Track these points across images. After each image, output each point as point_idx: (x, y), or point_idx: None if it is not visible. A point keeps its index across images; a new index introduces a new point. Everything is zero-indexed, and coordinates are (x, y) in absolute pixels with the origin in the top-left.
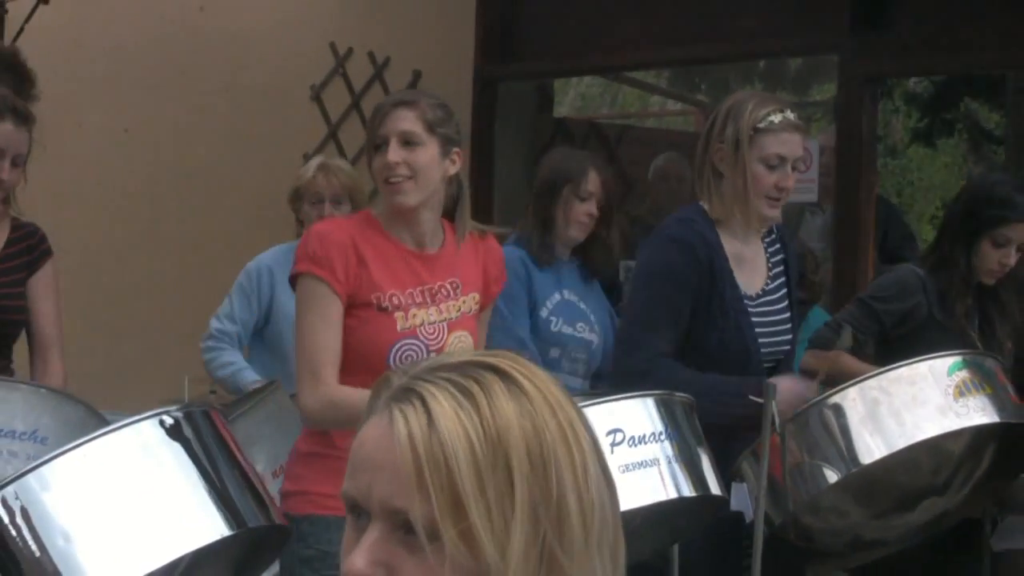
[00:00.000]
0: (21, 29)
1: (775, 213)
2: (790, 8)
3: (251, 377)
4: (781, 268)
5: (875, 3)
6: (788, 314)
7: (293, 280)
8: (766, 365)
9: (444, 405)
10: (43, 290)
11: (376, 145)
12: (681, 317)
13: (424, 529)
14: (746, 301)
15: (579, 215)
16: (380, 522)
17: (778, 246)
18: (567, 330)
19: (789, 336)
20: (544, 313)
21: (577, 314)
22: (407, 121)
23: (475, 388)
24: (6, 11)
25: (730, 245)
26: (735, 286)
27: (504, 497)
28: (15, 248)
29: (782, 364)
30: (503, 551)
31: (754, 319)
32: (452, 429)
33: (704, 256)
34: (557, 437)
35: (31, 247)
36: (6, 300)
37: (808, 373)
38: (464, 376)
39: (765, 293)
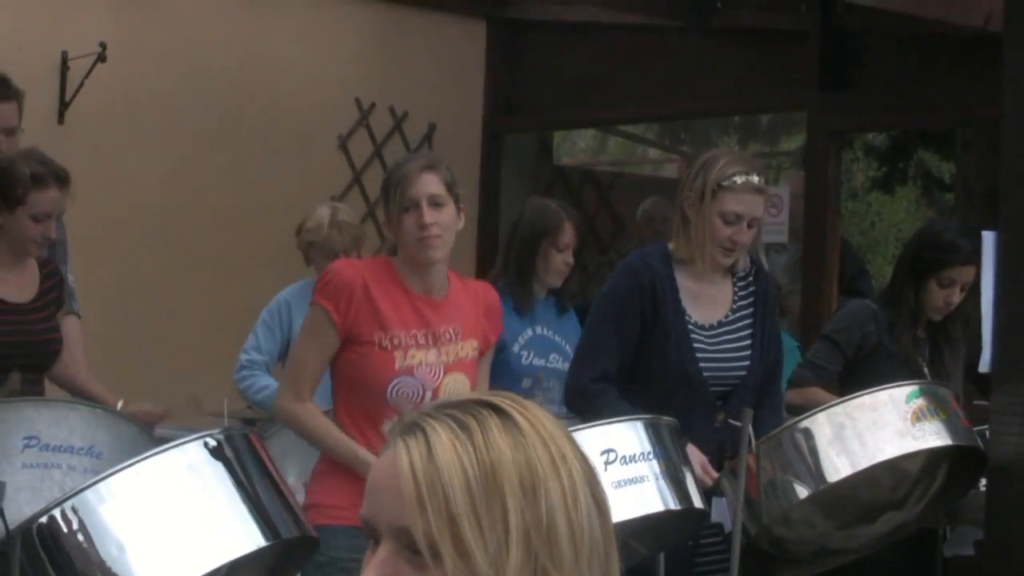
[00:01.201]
0: (82, 83)
1: (727, 261)
2: (764, 71)
3: None
4: (748, 302)
5: (839, 67)
6: (748, 343)
7: (310, 304)
8: (719, 389)
9: (443, 437)
10: (69, 324)
11: (406, 207)
12: (624, 337)
13: (426, 547)
14: (698, 331)
15: (558, 265)
16: (388, 542)
17: (750, 281)
18: (539, 362)
19: (746, 364)
20: (516, 348)
21: (550, 346)
22: (434, 184)
23: (472, 423)
24: (68, 68)
25: (688, 281)
26: (680, 313)
27: (497, 521)
28: (47, 285)
29: (738, 388)
30: (497, 569)
31: (705, 347)
32: (448, 458)
33: (647, 282)
34: (548, 468)
35: (58, 283)
36: (48, 334)
37: (792, 408)
38: (464, 412)
39: (722, 325)
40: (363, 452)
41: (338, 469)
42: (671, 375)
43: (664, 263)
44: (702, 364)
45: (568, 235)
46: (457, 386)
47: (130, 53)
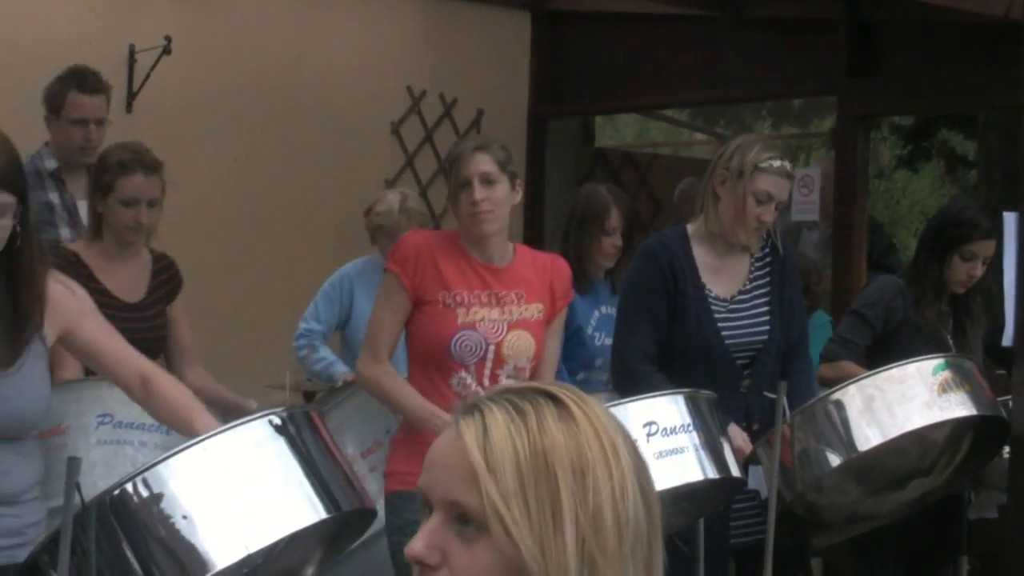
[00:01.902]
0: (148, 76)
1: (755, 239)
2: (795, 58)
3: (341, 369)
4: (764, 274)
5: (866, 55)
6: (767, 312)
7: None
8: (741, 356)
9: (498, 419)
10: (178, 311)
11: (461, 185)
12: (655, 316)
13: (474, 521)
14: (718, 302)
15: (607, 247)
16: (440, 513)
17: (766, 256)
18: (609, 342)
19: (766, 331)
20: (589, 331)
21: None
22: (485, 163)
23: (528, 408)
24: (135, 60)
25: (708, 256)
26: (700, 288)
27: (545, 502)
28: (158, 280)
29: (761, 355)
30: (542, 547)
31: (725, 317)
32: (500, 438)
33: (665, 263)
34: (598, 457)
35: (171, 278)
36: (159, 330)
37: (824, 382)
38: (522, 398)
39: (740, 295)
40: (432, 409)
41: (413, 438)
42: (693, 346)
43: (682, 242)
44: (724, 333)
45: (614, 219)
46: (520, 342)
47: (193, 46)
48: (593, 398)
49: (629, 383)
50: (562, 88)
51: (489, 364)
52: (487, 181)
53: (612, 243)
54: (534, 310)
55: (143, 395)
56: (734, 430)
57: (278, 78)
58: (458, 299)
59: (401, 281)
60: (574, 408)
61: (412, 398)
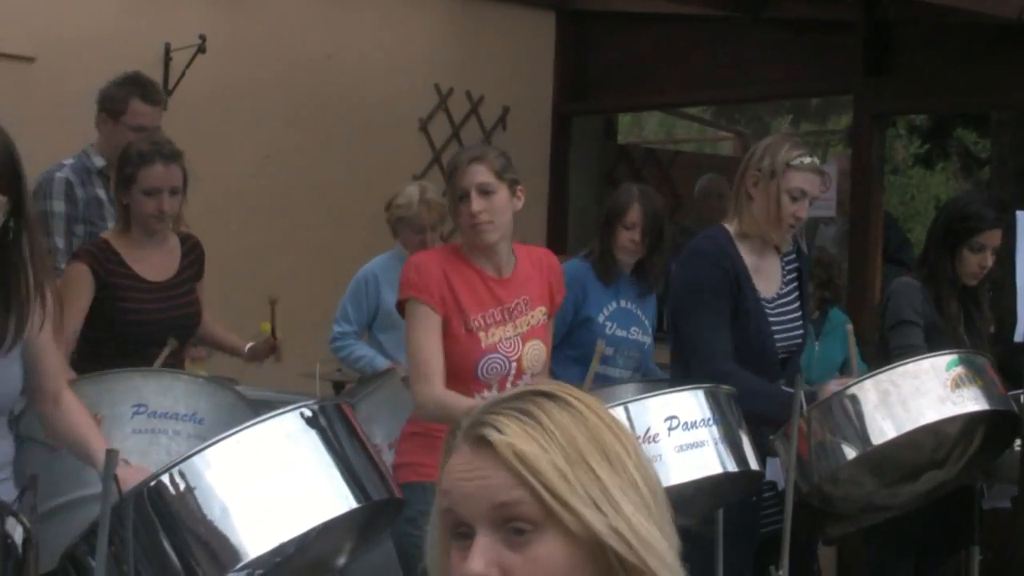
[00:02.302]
0: (183, 73)
1: (789, 236)
2: (813, 58)
3: (382, 363)
4: (795, 275)
5: (882, 54)
6: (799, 314)
7: (400, 305)
8: (780, 356)
9: (515, 428)
10: (201, 289)
11: (459, 196)
12: (725, 317)
13: (528, 520)
14: (766, 304)
15: (624, 241)
16: (485, 528)
17: (794, 257)
18: (620, 333)
19: (800, 332)
20: (600, 319)
21: (632, 319)
22: (481, 174)
23: (533, 408)
24: (171, 58)
25: (749, 256)
26: (754, 290)
27: (592, 485)
28: (187, 260)
29: (794, 355)
30: (610, 523)
31: (772, 318)
32: (526, 443)
33: (728, 266)
34: (609, 434)
35: (198, 257)
36: (190, 307)
37: None
38: (522, 402)
39: (779, 296)
40: None
41: (426, 430)
42: (748, 347)
43: (732, 244)
44: (775, 335)
45: (634, 215)
46: (535, 351)
47: (227, 45)
48: (577, 389)
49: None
50: (586, 86)
51: (511, 379)
52: (484, 192)
53: (629, 237)
54: (539, 315)
55: (51, 408)
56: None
57: (309, 76)
58: (476, 323)
59: (431, 305)
60: (569, 398)
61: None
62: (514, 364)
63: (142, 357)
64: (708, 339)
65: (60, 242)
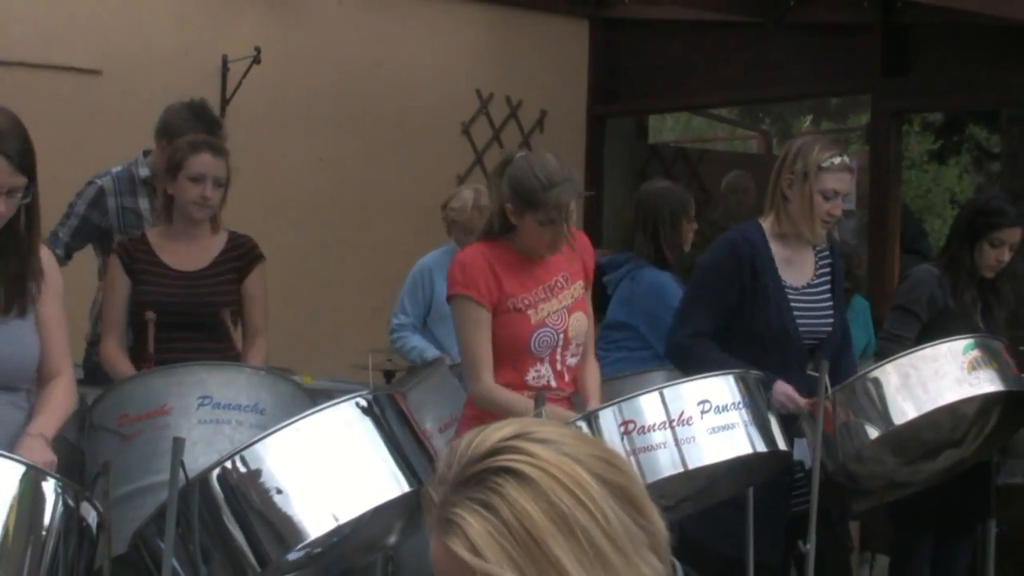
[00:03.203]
0: (240, 83)
1: (825, 232)
2: (833, 60)
3: (432, 353)
4: (827, 269)
5: (899, 56)
6: (830, 302)
7: (449, 300)
8: (809, 343)
9: (476, 527)
10: (253, 289)
11: (550, 221)
12: (723, 302)
13: None
14: (791, 291)
15: (689, 233)
16: None
17: (827, 253)
18: None
19: (830, 321)
20: None
21: None
22: (572, 203)
23: (494, 498)
24: (228, 69)
25: (781, 250)
26: (777, 278)
27: (549, 568)
28: (229, 255)
29: (824, 343)
30: None
31: (798, 305)
32: (486, 543)
33: (746, 254)
34: (570, 501)
35: (243, 255)
36: (215, 296)
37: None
38: (482, 489)
39: (810, 286)
40: (558, 409)
41: (484, 416)
42: (772, 332)
43: (760, 236)
44: (798, 320)
45: (695, 209)
46: (579, 323)
47: (281, 56)
48: (545, 432)
49: (678, 353)
50: (618, 89)
51: (560, 350)
52: (568, 217)
53: (693, 228)
54: (578, 288)
55: (44, 381)
56: (783, 388)
57: (359, 83)
58: (525, 302)
59: (479, 302)
60: (528, 469)
61: (523, 402)
62: (562, 335)
63: (160, 342)
64: (687, 312)
65: (64, 234)
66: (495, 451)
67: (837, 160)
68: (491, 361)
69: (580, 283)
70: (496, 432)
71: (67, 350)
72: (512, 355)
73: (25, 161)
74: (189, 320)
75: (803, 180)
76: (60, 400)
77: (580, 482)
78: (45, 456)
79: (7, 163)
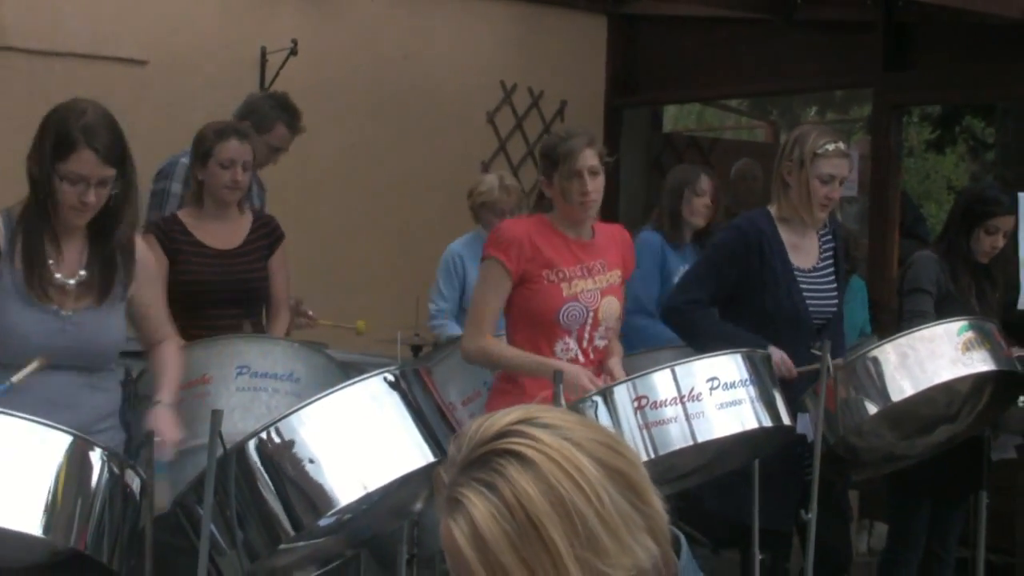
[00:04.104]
0: (277, 73)
1: (824, 215)
2: (837, 55)
3: None
4: (831, 252)
5: (901, 51)
6: (834, 286)
7: (482, 259)
8: (816, 322)
9: (479, 507)
10: (277, 265)
11: (571, 175)
12: (723, 280)
13: None
14: (800, 274)
15: (698, 206)
16: None
17: (830, 237)
18: None
19: (835, 302)
20: (674, 280)
21: None
22: (592, 158)
23: (497, 479)
24: (266, 60)
25: (788, 235)
26: (787, 262)
27: (543, 555)
28: (257, 235)
29: (830, 323)
30: None
31: (807, 287)
32: (487, 523)
33: (754, 240)
34: (568, 484)
35: (268, 234)
36: (251, 273)
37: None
38: (487, 471)
39: (815, 269)
40: (547, 360)
41: (513, 388)
42: (783, 312)
43: (768, 223)
44: (808, 302)
45: (704, 183)
46: (611, 306)
47: (316, 48)
48: (549, 418)
49: (674, 316)
50: (634, 81)
51: (588, 328)
52: (594, 173)
53: (704, 203)
54: (614, 276)
55: (152, 350)
56: (779, 355)
57: (389, 74)
58: (560, 275)
59: (505, 266)
60: (531, 452)
61: (522, 356)
62: (591, 314)
63: (202, 319)
64: (689, 282)
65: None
66: (501, 435)
67: (831, 147)
68: (494, 324)
69: (617, 272)
70: (504, 417)
71: (166, 320)
72: (542, 324)
73: (113, 153)
74: (229, 296)
75: (800, 167)
76: (173, 364)
77: (579, 466)
78: (169, 429)
79: (95, 156)
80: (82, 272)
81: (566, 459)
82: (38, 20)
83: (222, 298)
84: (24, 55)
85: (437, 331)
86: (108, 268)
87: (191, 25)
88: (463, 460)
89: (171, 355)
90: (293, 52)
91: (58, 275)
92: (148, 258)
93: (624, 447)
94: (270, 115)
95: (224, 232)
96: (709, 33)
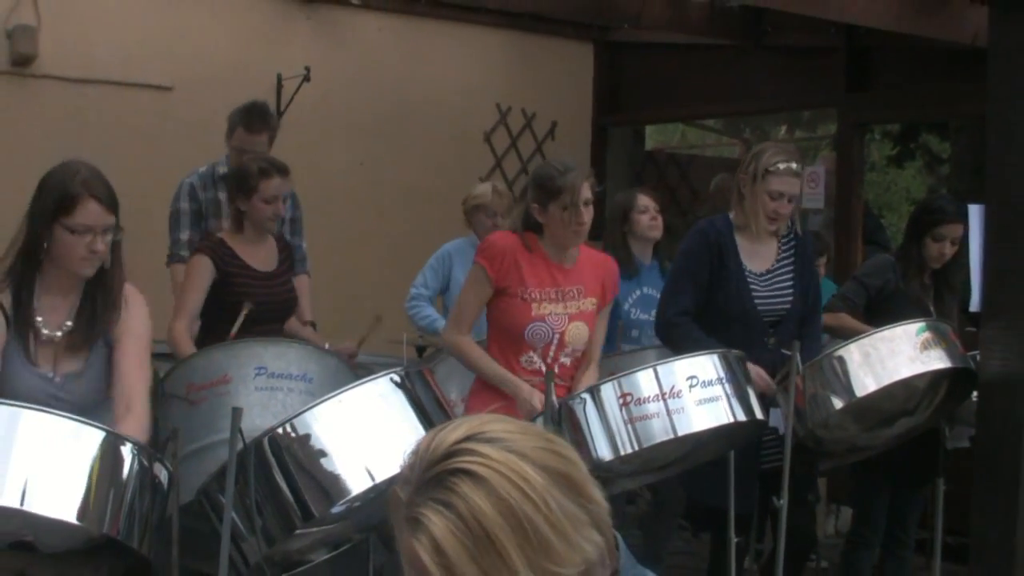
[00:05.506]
0: (292, 98)
1: (773, 228)
2: (803, 77)
3: (441, 323)
4: (789, 255)
5: (862, 74)
6: (790, 285)
7: (473, 264)
8: (769, 319)
9: (437, 524)
10: (298, 283)
11: (569, 205)
12: (699, 282)
13: None
14: (752, 276)
15: (646, 222)
16: None
17: (791, 241)
18: (643, 316)
19: (789, 300)
20: (626, 307)
21: (653, 304)
22: (588, 190)
23: (453, 498)
24: (282, 86)
25: (744, 240)
26: (739, 265)
27: (501, 565)
28: (283, 255)
29: (784, 319)
30: None
31: (758, 288)
32: (446, 539)
33: (713, 241)
34: (517, 495)
35: (288, 256)
36: (289, 293)
37: (825, 328)
38: (441, 489)
39: (769, 272)
40: (506, 374)
41: (488, 388)
42: (733, 309)
43: (727, 227)
44: (756, 300)
45: (643, 199)
46: (579, 331)
47: (327, 73)
48: (493, 431)
49: (668, 330)
50: (619, 103)
51: (554, 348)
52: (588, 204)
53: (650, 217)
54: (589, 303)
55: (121, 413)
56: (756, 371)
57: (394, 97)
58: (532, 295)
59: (488, 273)
60: (481, 470)
61: (489, 364)
62: (558, 336)
63: (249, 335)
64: (672, 293)
65: (184, 235)
66: (451, 454)
67: (783, 166)
68: (472, 322)
69: (592, 299)
70: (451, 434)
71: (142, 386)
72: (510, 337)
73: (112, 202)
74: (274, 314)
75: (754, 180)
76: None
77: (526, 477)
78: None
79: (98, 204)
80: (68, 323)
81: (513, 471)
82: (72, 51)
83: (267, 315)
84: (60, 82)
85: (412, 312)
86: (94, 318)
87: (213, 53)
88: (418, 480)
89: (139, 428)
90: (307, 78)
91: (45, 331)
92: (136, 306)
93: (563, 447)
94: (231, 120)
95: (263, 255)
96: (686, 58)
